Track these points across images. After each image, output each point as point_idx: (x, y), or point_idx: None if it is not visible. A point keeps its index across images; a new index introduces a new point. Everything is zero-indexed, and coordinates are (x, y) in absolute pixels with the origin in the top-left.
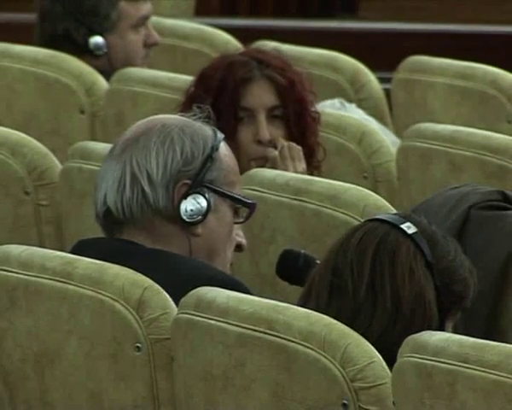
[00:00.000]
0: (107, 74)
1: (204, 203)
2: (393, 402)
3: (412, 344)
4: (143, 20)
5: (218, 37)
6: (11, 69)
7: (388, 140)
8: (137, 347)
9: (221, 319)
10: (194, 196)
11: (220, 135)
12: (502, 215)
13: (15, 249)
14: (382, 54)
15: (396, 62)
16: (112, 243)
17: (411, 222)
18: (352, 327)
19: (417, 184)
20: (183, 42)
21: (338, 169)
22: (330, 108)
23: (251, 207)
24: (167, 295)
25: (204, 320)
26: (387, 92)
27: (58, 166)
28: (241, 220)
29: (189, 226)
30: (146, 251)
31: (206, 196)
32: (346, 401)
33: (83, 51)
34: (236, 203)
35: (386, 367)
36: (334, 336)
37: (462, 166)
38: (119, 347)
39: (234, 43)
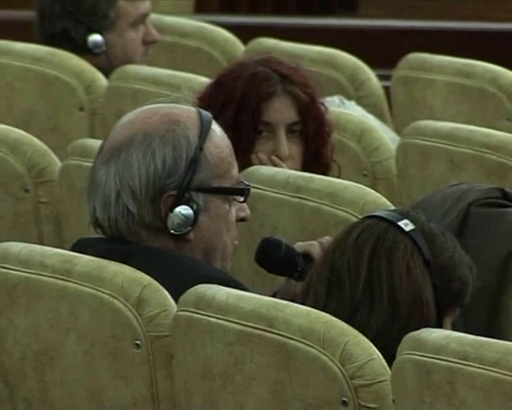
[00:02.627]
0: (106, 72)
1: (191, 213)
2: (393, 400)
3: (411, 342)
4: (142, 18)
5: (217, 34)
6: (11, 67)
7: (388, 137)
8: (137, 344)
9: (221, 317)
10: (181, 207)
11: (208, 125)
12: (501, 213)
13: (15, 247)
14: (382, 51)
15: (396, 60)
16: (110, 243)
17: (409, 219)
18: (350, 325)
19: (417, 181)
20: (182, 39)
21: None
22: (330, 105)
23: (244, 193)
24: (167, 293)
25: (203, 318)
26: (387, 90)
27: (58, 163)
28: (242, 200)
29: (178, 237)
30: (145, 250)
31: (193, 204)
32: (345, 399)
33: (82, 50)
34: (229, 193)
35: (385, 365)
36: (333, 333)
37: (462, 163)
38: (119, 344)
39: (233, 41)
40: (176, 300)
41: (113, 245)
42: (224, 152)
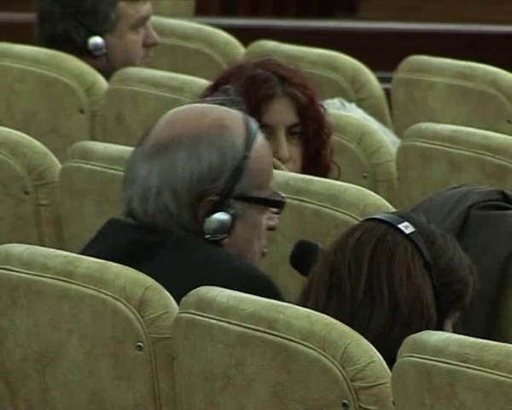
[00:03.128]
0: (106, 74)
1: (229, 220)
2: (393, 402)
3: (412, 344)
4: (143, 21)
5: (218, 37)
6: (11, 69)
7: (388, 140)
8: (139, 346)
9: (221, 319)
10: (220, 213)
11: (254, 134)
12: (502, 215)
13: (17, 248)
14: (382, 53)
15: (396, 62)
16: (142, 230)
17: (409, 221)
18: (350, 327)
19: (417, 183)
20: (183, 42)
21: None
22: (330, 107)
23: (279, 206)
24: (169, 295)
25: (205, 320)
26: (387, 92)
27: (58, 165)
28: (276, 211)
29: (213, 242)
30: (180, 240)
31: (232, 211)
32: (346, 401)
33: (82, 52)
34: (266, 204)
35: (386, 367)
36: (334, 335)
37: (462, 165)
38: (121, 346)
39: (234, 43)
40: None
41: (145, 234)
42: (265, 163)
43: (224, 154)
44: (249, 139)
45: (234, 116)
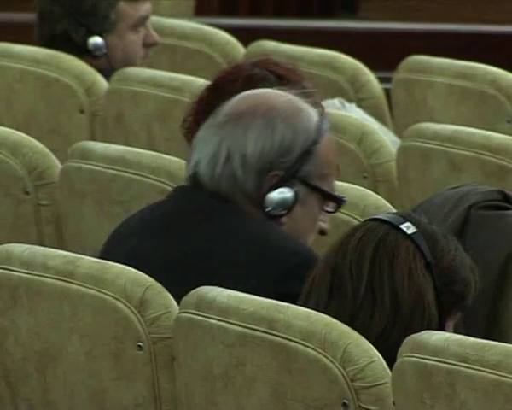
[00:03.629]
0: (106, 74)
1: (291, 198)
2: (393, 402)
3: (412, 344)
4: (143, 21)
5: (217, 36)
6: (11, 69)
7: (388, 140)
8: (139, 346)
9: (222, 319)
10: (283, 188)
11: (326, 126)
12: (502, 215)
13: (17, 248)
14: (382, 54)
15: (396, 62)
16: (207, 197)
17: (411, 222)
18: (351, 327)
19: (417, 183)
20: (182, 42)
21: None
22: (330, 107)
23: (340, 202)
24: (169, 294)
25: (205, 320)
26: (387, 92)
27: (58, 165)
28: (331, 211)
29: (272, 217)
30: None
31: (295, 190)
32: (346, 401)
33: (82, 52)
34: (325, 197)
35: (386, 367)
36: (334, 335)
37: (462, 165)
38: (121, 346)
39: (234, 43)
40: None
41: (207, 199)
42: (331, 157)
43: (296, 132)
44: (321, 129)
45: (309, 105)
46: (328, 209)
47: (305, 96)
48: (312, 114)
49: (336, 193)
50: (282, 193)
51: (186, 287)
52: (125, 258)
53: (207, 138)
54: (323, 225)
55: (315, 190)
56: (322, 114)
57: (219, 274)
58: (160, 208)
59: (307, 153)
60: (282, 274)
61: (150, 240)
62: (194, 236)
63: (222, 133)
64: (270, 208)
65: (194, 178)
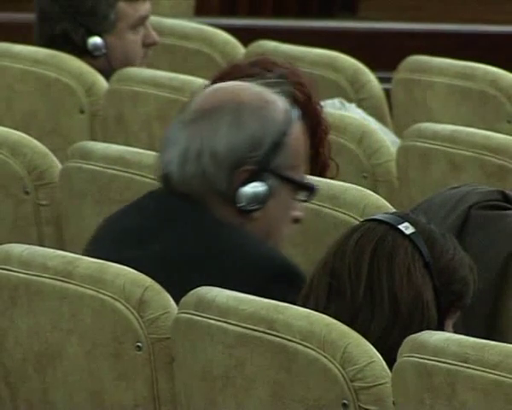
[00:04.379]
0: (106, 74)
1: (263, 192)
2: (393, 402)
3: (412, 344)
4: (142, 21)
5: (218, 36)
6: (11, 69)
7: (388, 140)
8: (138, 346)
9: (221, 319)
10: (256, 183)
11: (294, 115)
12: (502, 215)
13: (16, 249)
14: (382, 54)
15: (396, 62)
16: (177, 198)
17: (409, 222)
18: (351, 328)
19: (417, 183)
20: (183, 42)
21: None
22: (330, 107)
23: (312, 190)
24: (168, 295)
25: (204, 320)
26: (387, 92)
27: (58, 165)
28: (304, 199)
29: (245, 212)
30: (213, 222)
31: (267, 183)
32: (345, 401)
33: (81, 52)
34: (298, 187)
35: (386, 367)
36: (333, 335)
37: (462, 165)
38: (120, 346)
39: (234, 43)
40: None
41: (179, 202)
42: (301, 146)
43: (265, 126)
44: (289, 119)
45: (276, 95)
46: (301, 198)
47: (273, 85)
48: (280, 104)
49: (307, 181)
50: (254, 188)
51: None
52: None
53: (176, 137)
54: (297, 213)
55: (287, 181)
56: (290, 102)
57: (192, 282)
58: (135, 216)
59: (277, 145)
60: (263, 282)
61: (127, 250)
62: (168, 245)
63: (190, 131)
64: (243, 204)
65: (166, 178)
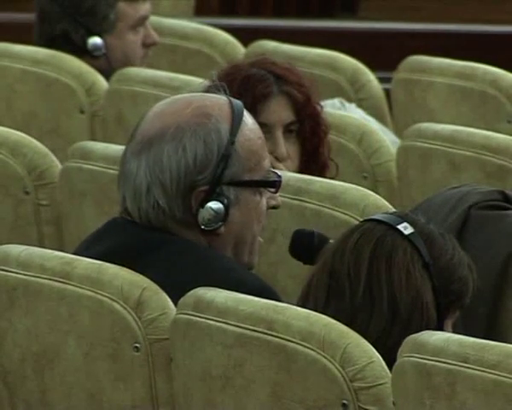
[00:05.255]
0: (106, 75)
1: (222, 209)
2: (393, 402)
3: (412, 344)
4: (142, 21)
5: (218, 37)
6: (11, 69)
7: (388, 140)
8: (136, 347)
9: (220, 320)
10: (212, 202)
11: (240, 117)
12: (502, 215)
13: (15, 249)
14: (382, 54)
15: (396, 62)
16: (143, 229)
17: (408, 222)
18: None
19: (417, 183)
20: (183, 42)
21: (338, 169)
22: (330, 107)
23: (275, 185)
24: (166, 296)
25: (203, 321)
26: (387, 92)
27: (58, 165)
28: (274, 190)
29: (210, 231)
30: (179, 242)
31: (224, 199)
32: (345, 401)
33: (81, 52)
34: (259, 187)
35: (385, 367)
36: (333, 336)
37: (462, 165)
38: (118, 347)
39: (234, 43)
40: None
41: (146, 233)
42: (255, 145)
43: (208, 143)
44: (235, 124)
45: (217, 102)
46: (270, 191)
47: (214, 88)
48: (222, 112)
49: (270, 174)
50: (212, 207)
51: None
52: None
53: (128, 170)
54: (273, 202)
55: (246, 186)
56: (232, 103)
57: None
58: (103, 246)
59: (226, 157)
60: None
61: None
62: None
63: (138, 164)
64: (205, 226)
65: (126, 212)
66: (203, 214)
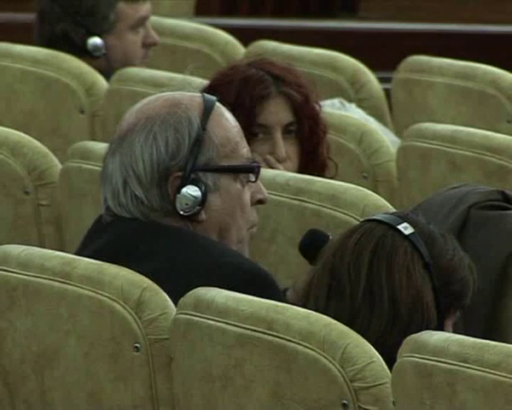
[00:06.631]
0: (106, 75)
1: (199, 193)
2: (393, 402)
3: (412, 344)
4: (142, 21)
5: (218, 37)
6: (11, 69)
7: (388, 140)
8: (136, 347)
9: (220, 320)
10: (189, 187)
11: (211, 105)
12: (502, 215)
13: (15, 249)
14: (382, 54)
15: (396, 62)
16: (133, 224)
17: (408, 222)
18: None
19: (417, 183)
20: (183, 42)
21: (338, 169)
22: (330, 107)
23: (252, 171)
24: (166, 296)
25: (203, 320)
26: (387, 92)
27: (58, 165)
28: (253, 180)
29: (190, 218)
30: (170, 231)
31: (201, 184)
32: (345, 401)
33: (81, 52)
34: (236, 172)
35: (385, 367)
36: (333, 336)
37: (462, 165)
38: (118, 347)
39: (234, 43)
40: (197, 284)
41: (135, 227)
42: (229, 132)
43: (179, 129)
44: (206, 111)
45: (188, 94)
46: (251, 179)
47: (186, 86)
48: (192, 101)
49: (248, 161)
50: (188, 192)
51: None
52: None
53: (107, 171)
54: (258, 195)
55: (221, 171)
56: (203, 94)
57: None
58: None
59: (197, 142)
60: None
61: None
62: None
63: (114, 162)
64: (183, 211)
65: (108, 212)
66: (180, 200)
